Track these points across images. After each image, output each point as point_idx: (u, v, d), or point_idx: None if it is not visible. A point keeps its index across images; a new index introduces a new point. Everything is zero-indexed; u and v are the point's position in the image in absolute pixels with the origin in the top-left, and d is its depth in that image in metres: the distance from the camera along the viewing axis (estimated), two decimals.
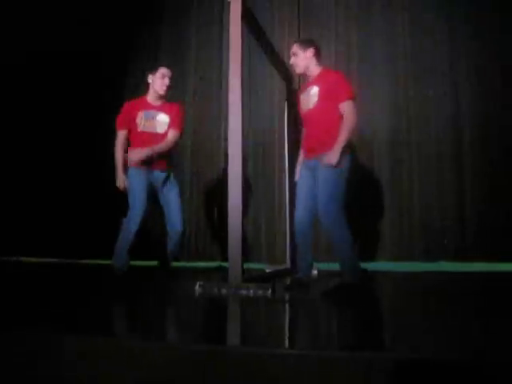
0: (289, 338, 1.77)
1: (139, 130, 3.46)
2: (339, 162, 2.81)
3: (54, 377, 1.48)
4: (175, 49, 5.58)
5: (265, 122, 5.04)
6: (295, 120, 4.83)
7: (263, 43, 3.80)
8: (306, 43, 3.09)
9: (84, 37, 5.67)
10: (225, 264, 4.81)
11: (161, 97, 3.52)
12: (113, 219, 5.40)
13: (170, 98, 3.71)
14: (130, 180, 3.44)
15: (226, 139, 3.47)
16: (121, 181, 3.48)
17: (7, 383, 1.50)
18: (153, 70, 3.50)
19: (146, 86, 3.54)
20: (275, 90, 5.04)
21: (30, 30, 5.85)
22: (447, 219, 4.47)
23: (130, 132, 3.50)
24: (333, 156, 2.80)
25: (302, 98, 3.12)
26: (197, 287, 2.74)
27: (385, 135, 4.77)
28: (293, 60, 3.11)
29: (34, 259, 5.55)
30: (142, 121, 3.46)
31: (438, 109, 4.63)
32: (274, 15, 5.24)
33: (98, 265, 5.11)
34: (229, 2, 3.03)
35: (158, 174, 3.51)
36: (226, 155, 2.98)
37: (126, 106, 3.54)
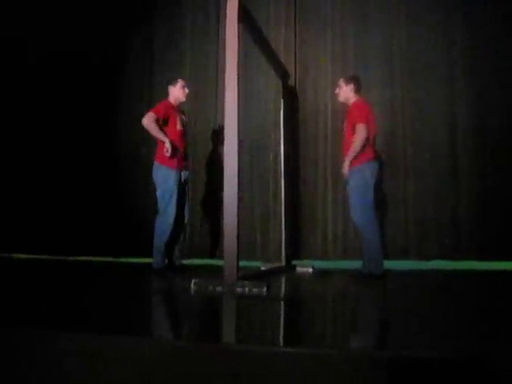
0: (284, 336, 1.78)
1: (178, 128, 3.93)
2: (361, 171, 3.47)
3: (45, 375, 1.48)
4: (171, 45, 5.55)
5: (261, 120, 5.03)
6: (290, 118, 4.84)
7: (259, 41, 3.80)
8: (349, 79, 3.77)
9: (80, 37, 5.63)
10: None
11: (180, 103, 4.10)
12: (103, 216, 5.41)
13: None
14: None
15: (222, 136, 3.48)
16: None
17: (3, 382, 1.50)
18: (173, 81, 4.04)
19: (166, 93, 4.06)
20: (271, 87, 5.02)
21: (24, 32, 5.83)
22: (442, 218, 4.49)
23: (166, 125, 3.87)
24: (344, 166, 3.53)
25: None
26: (192, 285, 2.74)
27: (380, 134, 4.76)
28: (337, 91, 3.81)
29: (24, 256, 5.53)
30: (178, 120, 3.95)
31: (433, 108, 4.63)
32: (270, 13, 5.21)
33: (89, 262, 5.11)
34: (225, 0, 3.02)
35: (185, 174, 4.03)
36: (222, 153, 2.98)
37: (167, 103, 3.97)
